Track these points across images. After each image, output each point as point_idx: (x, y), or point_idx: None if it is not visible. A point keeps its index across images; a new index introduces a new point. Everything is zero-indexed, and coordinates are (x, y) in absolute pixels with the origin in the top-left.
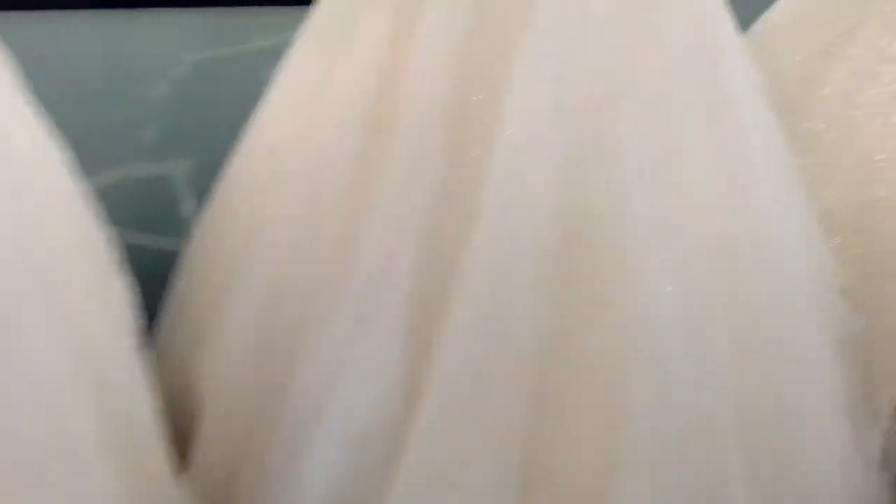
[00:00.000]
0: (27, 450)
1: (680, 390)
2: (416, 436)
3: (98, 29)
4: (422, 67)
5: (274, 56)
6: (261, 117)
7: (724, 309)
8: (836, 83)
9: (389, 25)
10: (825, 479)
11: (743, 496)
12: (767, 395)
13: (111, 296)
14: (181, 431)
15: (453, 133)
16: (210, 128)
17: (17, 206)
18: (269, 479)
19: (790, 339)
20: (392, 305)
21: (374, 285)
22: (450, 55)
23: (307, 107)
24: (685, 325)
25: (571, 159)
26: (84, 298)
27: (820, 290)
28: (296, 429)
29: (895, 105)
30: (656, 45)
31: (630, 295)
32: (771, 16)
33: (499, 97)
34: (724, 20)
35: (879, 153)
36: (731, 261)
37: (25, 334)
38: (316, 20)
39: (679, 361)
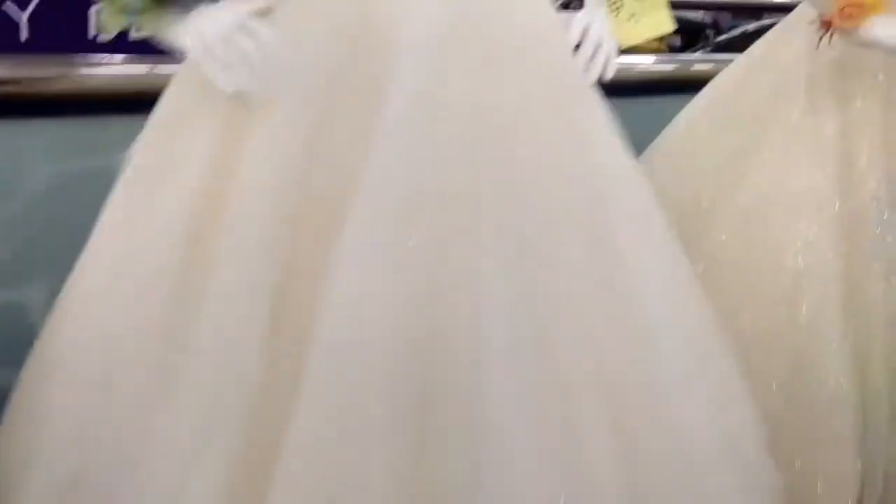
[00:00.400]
0: None
1: None
2: None
3: None
4: (245, 202)
5: None
6: (82, 258)
7: (617, 489)
8: (748, 193)
9: (214, 149)
10: None
11: None
12: None
13: None
14: None
15: (280, 280)
16: (69, 248)
17: None
18: None
19: None
20: None
21: (180, 485)
22: (277, 189)
23: (120, 246)
24: None
25: (418, 312)
26: None
27: (736, 445)
28: None
29: (813, 213)
30: (521, 180)
31: (493, 485)
32: (674, 127)
33: (333, 237)
34: (605, 142)
35: (799, 266)
36: (621, 433)
37: None
38: (144, 137)
39: None
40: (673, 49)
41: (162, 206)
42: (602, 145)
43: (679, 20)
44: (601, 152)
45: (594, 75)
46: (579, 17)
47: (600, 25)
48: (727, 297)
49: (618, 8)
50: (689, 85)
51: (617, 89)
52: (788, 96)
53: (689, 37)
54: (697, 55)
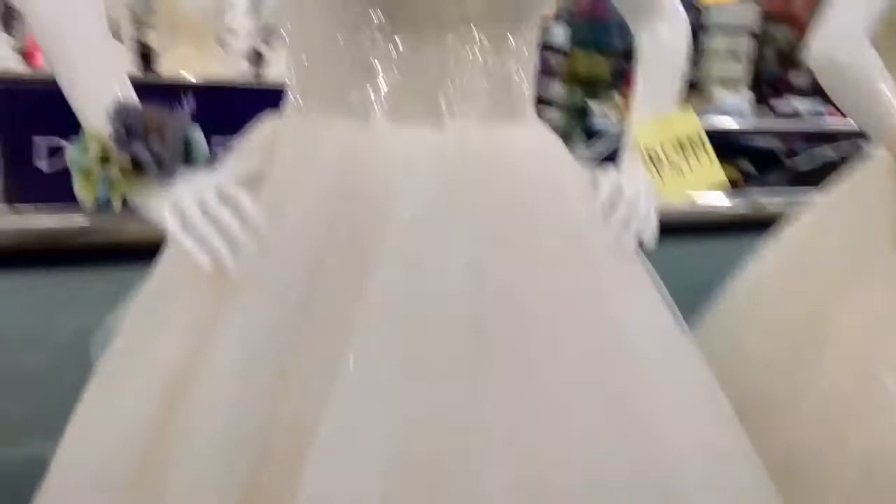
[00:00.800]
0: None
1: None
2: None
3: None
4: (211, 396)
5: None
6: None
7: None
8: (831, 362)
9: (189, 333)
10: None
11: None
12: None
13: None
14: None
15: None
16: None
17: None
18: None
19: None
20: None
21: None
22: (246, 383)
23: (92, 426)
24: None
25: None
26: None
27: None
28: None
29: None
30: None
31: None
32: (743, 280)
33: (307, 436)
34: (633, 304)
35: None
36: None
37: None
38: (133, 306)
39: None
40: (747, 176)
41: (133, 390)
42: (628, 308)
43: (750, 148)
44: (626, 318)
45: (630, 243)
46: (611, 175)
47: (636, 184)
48: (809, 486)
49: (659, 160)
50: (765, 223)
51: (685, 229)
52: (872, 247)
53: (762, 164)
54: (770, 191)
